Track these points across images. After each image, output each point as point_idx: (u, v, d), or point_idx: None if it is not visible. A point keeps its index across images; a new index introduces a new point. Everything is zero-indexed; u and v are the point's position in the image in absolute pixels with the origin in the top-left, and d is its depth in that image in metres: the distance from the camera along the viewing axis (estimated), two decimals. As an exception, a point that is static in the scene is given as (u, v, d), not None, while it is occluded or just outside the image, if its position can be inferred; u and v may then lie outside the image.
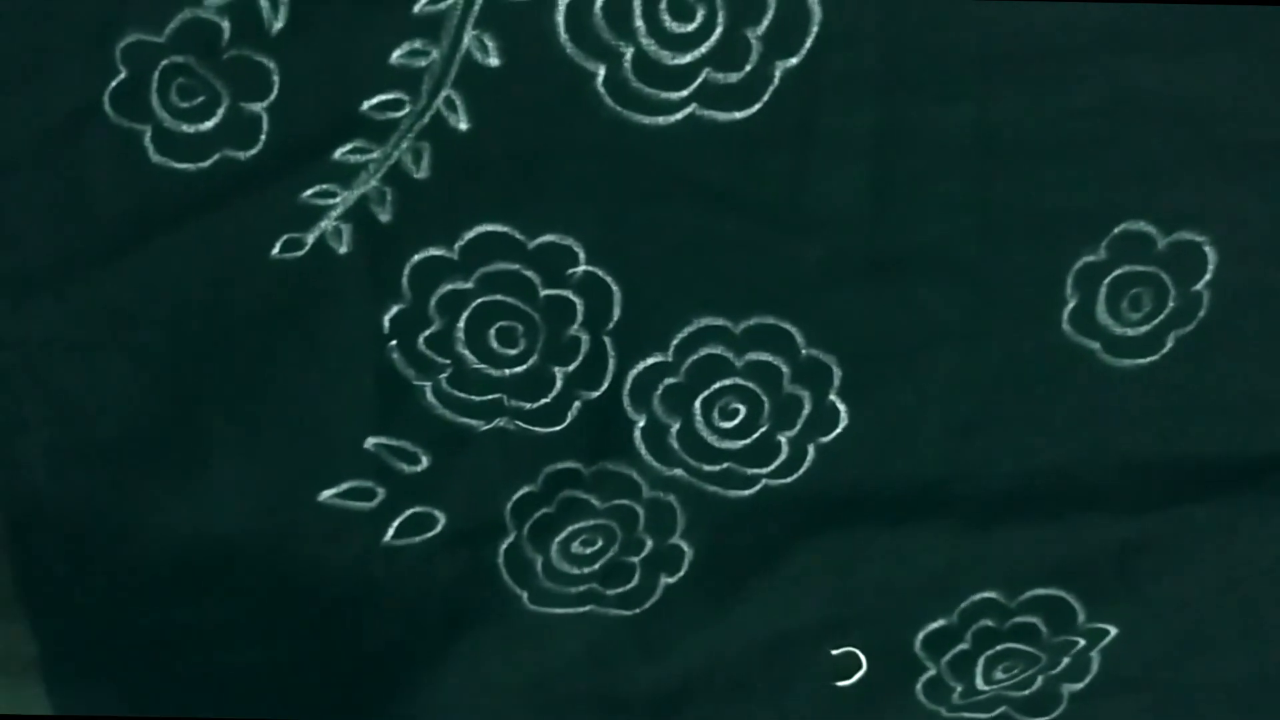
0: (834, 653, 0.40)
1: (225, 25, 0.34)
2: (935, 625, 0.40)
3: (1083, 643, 0.40)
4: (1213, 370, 0.38)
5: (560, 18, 0.34)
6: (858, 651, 0.40)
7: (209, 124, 0.35)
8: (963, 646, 0.41)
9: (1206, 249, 0.36)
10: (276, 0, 0.34)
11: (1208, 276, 0.37)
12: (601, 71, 0.35)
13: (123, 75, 0.34)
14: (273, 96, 0.35)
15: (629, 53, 0.34)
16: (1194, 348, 0.37)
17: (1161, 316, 0.37)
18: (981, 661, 0.41)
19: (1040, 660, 0.40)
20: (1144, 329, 0.37)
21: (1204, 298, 0.37)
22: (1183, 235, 0.36)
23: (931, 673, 0.41)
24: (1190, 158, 0.36)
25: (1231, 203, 0.36)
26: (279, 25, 0.34)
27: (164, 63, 0.34)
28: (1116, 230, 0.36)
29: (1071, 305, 0.37)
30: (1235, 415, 0.38)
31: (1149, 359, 0.38)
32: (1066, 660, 0.40)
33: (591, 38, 0.34)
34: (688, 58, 0.34)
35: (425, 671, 0.39)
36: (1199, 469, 0.39)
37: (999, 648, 0.40)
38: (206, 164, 0.35)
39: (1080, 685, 0.41)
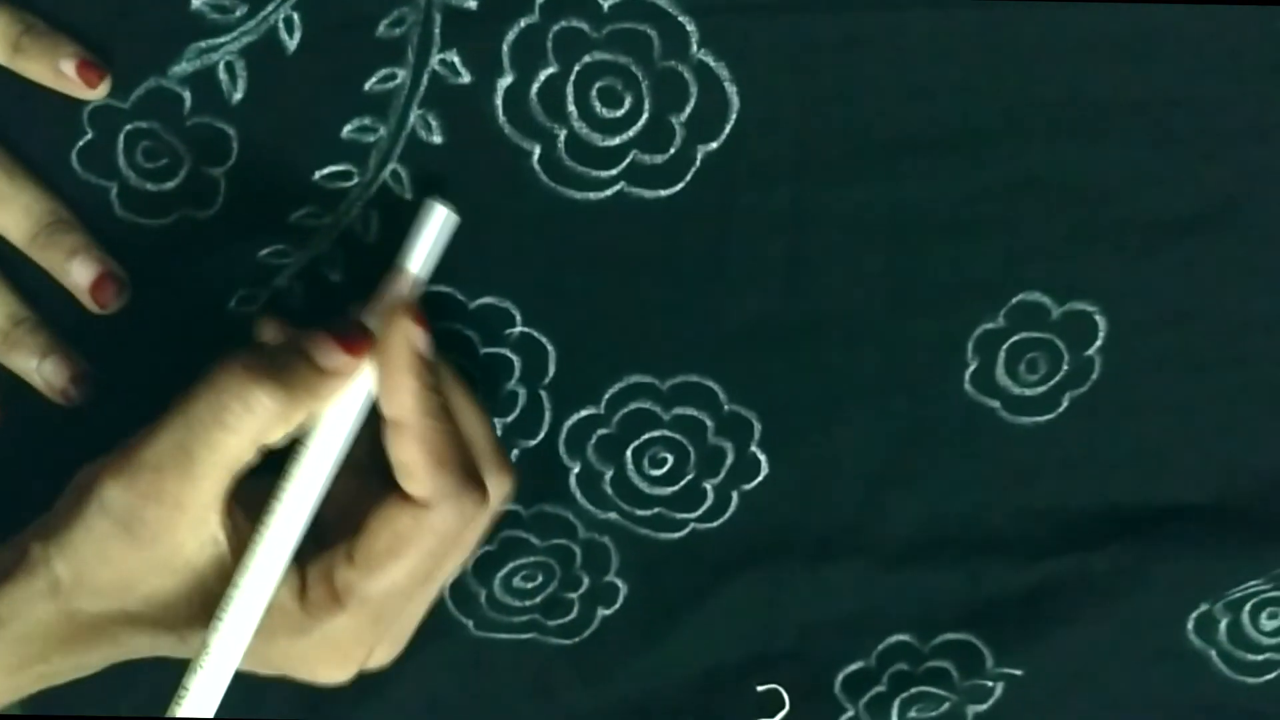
0: (759, 689, 0.41)
1: (186, 95, 0.35)
2: (854, 667, 0.41)
3: (991, 685, 0.42)
4: (1106, 428, 0.39)
5: (499, 100, 0.35)
6: (781, 690, 0.41)
7: (171, 184, 0.36)
8: (879, 689, 0.42)
9: (1097, 317, 0.38)
10: (235, 74, 0.35)
11: (1099, 342, 0.38)
12: (537, 150, 0.36)
13: (89, 136, 0.36)
14: (231, 161, 0.36)
15: (562, 134, 0.36)
16: (1087, 407, 0.39)
17: (1057, 379, 0.39)
18: (897, 704, 0.42)
19: (952, 702, 0.42)
20: (1040, 390, 0.39)
21: (1096, 362, 0.38)
22: (1075, 305, 0.38)
23: (850, 714, 0.42)
24: (1082, 235, 0.37)
25: (1120, 276, 0.37)
26: (238, 96, 0.35)
27: (128, 127, 0.35)
28: (1014, 300, 0.38)
29: (973, 368, 0.38)
30: (1129, 469, 0.39)
31: (1046, 417, 0.39)
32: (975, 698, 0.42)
33: (527, 120, 0.36)
34: (617, 140, 0.36)
35: (376, 686, 0.39)
36: (1097, 519, 0.40)
37: (913, 690, 0.41)
38: (168, 220, 0.36)
39: (984, 707, 0.42)
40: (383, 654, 0.35)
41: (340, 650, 0.33)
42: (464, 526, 0.32)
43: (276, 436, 0.32)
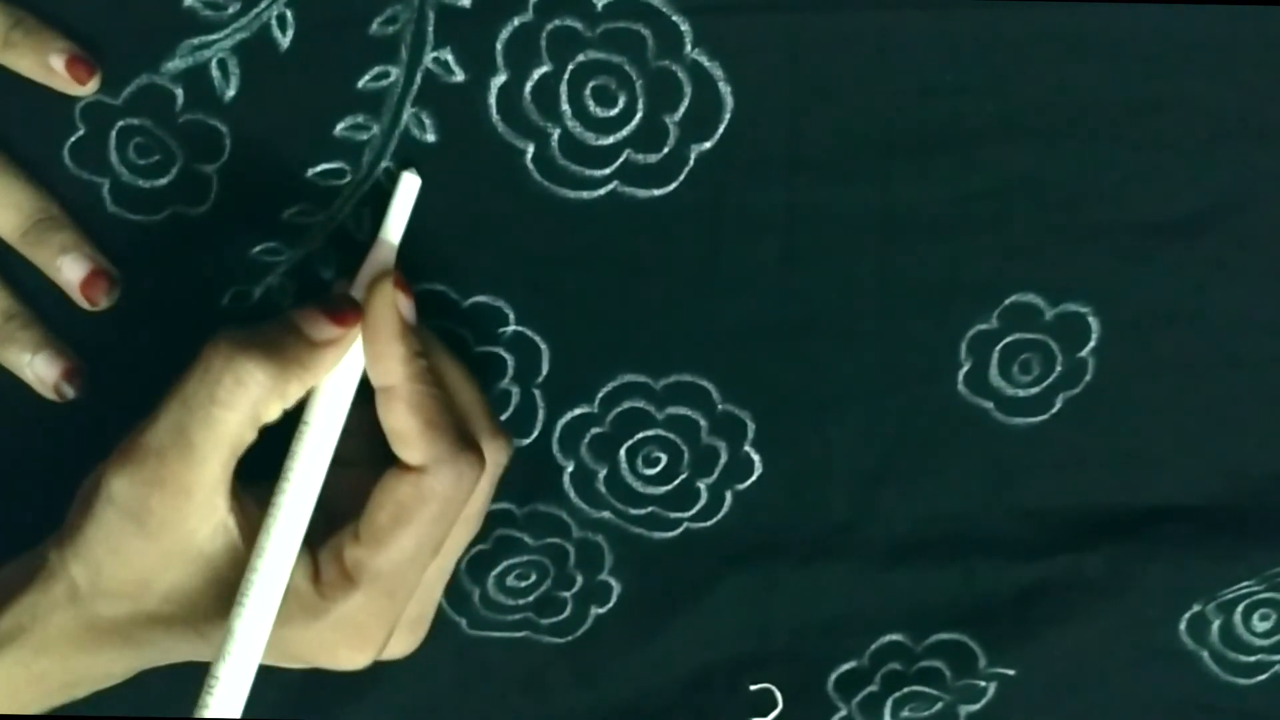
0: (752, 688, 0.41)
1: (179, 92, 0.35)
2: (847, 666, 0.41)
3: (984, 685, 0.42)
4: (1099, 429, 0.39)
5: (492, 99, 0.35)
6: (774, 689, 0.41)
7: (163, 181, 0.36)
8: (872, 689, 0.42)
9: (1090, 319, 0.38)
10: (228, 71, 0.35)
11: (1092, 344, 0.38)
12: (530, 149, 0.36)
13: (81, 132, 0.36)
14: (223, 158, 0.36)
15: (556, 133, 0.36)
16: (1081, 408, 0.39)
17: (1050, 380, 0.39)
18: (889, 704, 0.42)
19: (945, 702, 0.42)
20: (1034, 391, 0.39)
21: (1089, 363, 0.38)
22: (1068, 306, 0.38)
23: (843, 713, 0.42)
24: (1075, 236, 0.37)
25: (1113, 277, 0.37)
26: (230, 94, 0.35)
27: (120, 124, 0.35)
28: (1007, 301, 0.38)
29: (966, 369, 0.38)
30: (1122, 470, 0.39)
31: (1039, 418, 0.39)
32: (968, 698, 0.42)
33: (521, 119, 0.36)
34: (610, 139, 0.36)
35: (372, 682, 0.40)
36: (1089, 519, 0.40)
37: (906, 690, 0.41)
38: (159, 217, 0.36)
39: (976, 707, 0.42)
40: (403, 642, 0.35)
41: (359, 631, 0.33)
42: (463, 491, 0.32)
43: (273, 412, 0.31)
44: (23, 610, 0.32)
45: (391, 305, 0.32)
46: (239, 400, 0.31)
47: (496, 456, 0.34)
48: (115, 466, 0.31)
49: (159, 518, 0.31)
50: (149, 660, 0.33)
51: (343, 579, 0.32)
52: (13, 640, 0.32)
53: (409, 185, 0.34)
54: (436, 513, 0.32)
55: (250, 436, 0.31)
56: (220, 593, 0.32)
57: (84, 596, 0.32)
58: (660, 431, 0.39)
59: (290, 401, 0.32)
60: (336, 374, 0.32)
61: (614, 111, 0.36)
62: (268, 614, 0.32)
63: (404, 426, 0.32)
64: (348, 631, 0.33)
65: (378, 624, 0.33)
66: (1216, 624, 0.41)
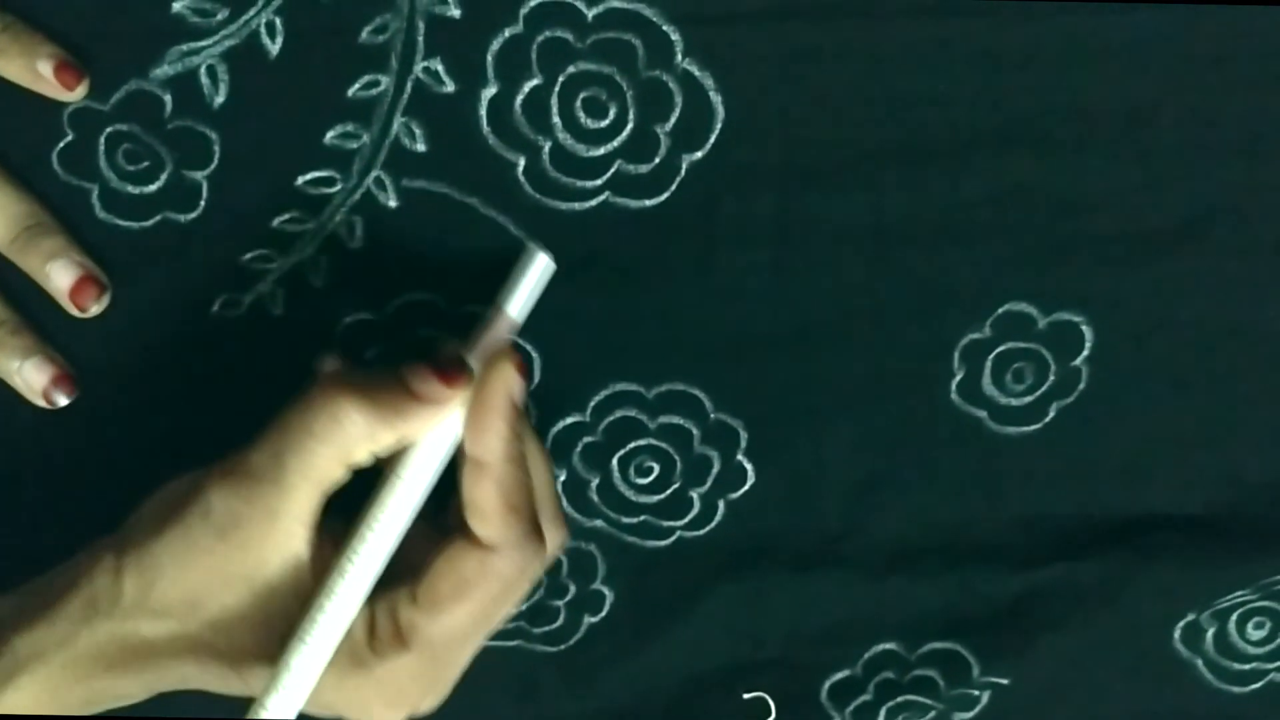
0: (745, 696, 0.41)
1: (167, 98, 0.35)
2: (840, 675, 0.42)
3: (977, 694, 0.42)
4: (1092, 438, 0.39)
5: (483, 111, 0.35)
6: (767, 697, 0.41)
7: (153, 187, 0.36)
8: (865, 697, 0.42)
9: (1084, 328, 0.38)
10: (217, 78, 0.35)
11: (1085, 353, 0.38)
12: (522, 162, 0.36)
13: (70, 138, 0.35)
14: (213, 166, 0.36)
15: (547, 146, 0.36)
16: (1074, 417, 0.39)
17: (1043, 389, 0.39)
18: (883, 712, 0.42)
19: (938, 710, 0.42)
20: (1027, 399, 0.39)
21: (1083, 372, 0.38)
22: (1061, 315, 0.38)
23: None
24: (1068, 245, 0.37)
25: (1106, 286, 0.37)
26: (220, 100, 0.35)
27: (109, 129, 0.35)
28: (1000, 310, 0.38)
29: (959, 377, 0.38)
30: (1115, 479, 0.39)
31: (1033, 427, 0.39)
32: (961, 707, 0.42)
33: (512, 131, 0.36)
34: (601, 150, 0.36)
35: None
36: (1083, 528, 0.40)
37: (899, 699, 0.42)
38: (149, 223, 0.36)
39: (970, 714, 0.42)
40: (431, 699, 0.35)
41: (399, 691, 0.33)
42: (526, 578, 0.33)
43: (364, 456, 0.32)
44: (57, 624, 0.32)
45: (507, 383, 0.32)
46: (332, 436, 0.31)
47: (555, 543, 0.35)
48: (218, 480, 0.32)
49: (244, 534, 0.31)
50: (167, 686, 0.33)
51: (395, 638, 0.32)
52: (40, 658, 0.32)
53: (540, 265, 0.34)
54: (497, 593, 0.32)
55: (339, 475, 0.32)
56: (268, 629, 0.32)
57: (126, 611, 0.32)
58: (653, 441, 0.39)
59: (381, 448, 0.32)
60: (436, 433, 0.32)
61: (605, 122, 0.36)
62: (325, 654, 0.32)
63: (487, 504, 0.32)
64: (388, 690, 0.33)
65: (417, 688, 0.33)
66: (1211, 632, 0.41)
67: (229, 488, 0.31)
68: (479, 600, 0.32)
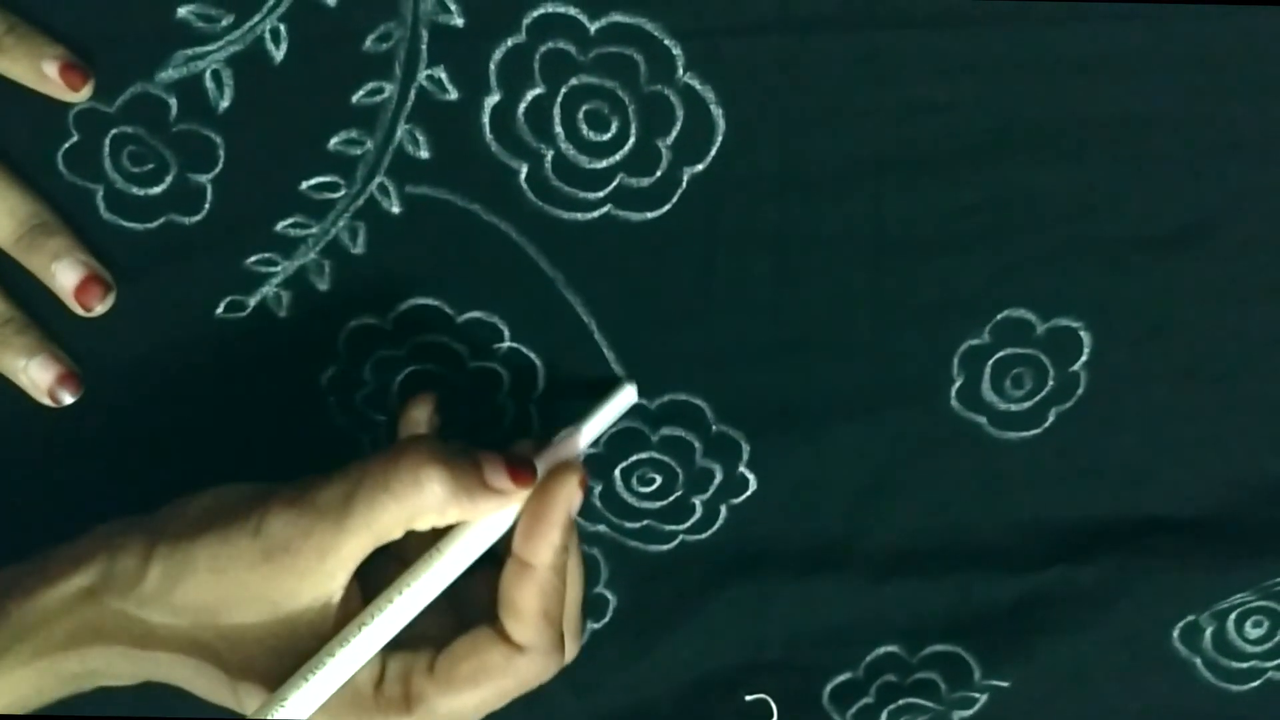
0: (748, 699, 0.42)
1: (172, 101, 0.35)
2: (842, 678, 0.42)
3: (978, 696, 0.42)
4: (1091, 442, 0.39)
5: (486, 119, 0.36)
6: (769, 700, 0.41)
7: (157, 189, 0.36)
8: (867, 700, 0.42)
9: (1082, 334, 0.38)
10: (222, 82, 0.35)
11: (1084, 358, 0.38)
12: (524, 170, 0.36)
13: (75, 139, 0.36)
14: (218, 169, 0.36)
15: (549, 155, 0.36)
16: (1073, 422, 0.39)
17: (1042, 394, 0.39)
18: (885, 715, 0.42)
19: (938, 712, 0.42)
20: (1026, 405, 0.39)
21: (1081, 377, 0.39)
22: (1060, 321, 0.38)
23: None
24: (1066, 252, 0.37)
25: (1104, 292, 0.38)
26: (224, 105, 0.35)
27: (114, 131, 0.36)
28: (999, 316, 0.38)
29: (958, 384, 0.39)
30: (1114, 483, 0.40)
31: (1032, 432, 0.39)
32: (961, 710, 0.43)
33: (514, 139, 0.36)
34: (604, 163, 0.36)
35: None
36: (1083, 532, 0.40)
37: (901, 702, 0.42)
38: (153, 225, 0.37)
39: (969, 713, 0.43)
40: None
41: None
42: (541, 681, 0.34)
43: (426, 524, 0.33)
44: (62, 594, 0.32)
45: (568, 497, 0.33)
46: (410, 499, 0.32)
47: (571, 654, 0.36)
48: (280, 504, 0.32)
49: (288, 562, 0.32)
50: (158, 677, 0.33)
51: (402, 700, 0.33)
52: (43, 625, 0.32)
53: (625, 397, 0.36)
54: (511, 689, 0.33)
55: (398, 534, 0.32)
56: (277, 656, 0.32)
57: (144, 598, 0.32)
58: (654, 454, 0.39)
59: (443, 522, 0.33)
60: (488, 522, 0.33)
61: (607, 136, 0.36)
62: (322, 697, 0.32)
63: (526, 606, 0.33)
64: None
65: None
66: (1209, 631, 0.42)
67: (291, 515, 0.32)
68: (493, 691, 0.33)
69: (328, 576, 0.32)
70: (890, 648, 0.42)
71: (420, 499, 0.32)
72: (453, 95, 0.36)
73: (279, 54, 0.35)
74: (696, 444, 0.39)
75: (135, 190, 0.36)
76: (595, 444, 0.39)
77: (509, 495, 0.33)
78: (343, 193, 0.36)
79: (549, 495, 0.33)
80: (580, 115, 0.36)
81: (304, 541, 0.31)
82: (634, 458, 0.39)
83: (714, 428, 0.39)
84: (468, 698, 0.33)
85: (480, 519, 0.33)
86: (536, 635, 0.33)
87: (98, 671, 0.33)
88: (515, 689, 0.33)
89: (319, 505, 0.32)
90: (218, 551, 0.32)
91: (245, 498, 0.33)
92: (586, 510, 0.40)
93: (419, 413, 0.36)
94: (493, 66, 0.35)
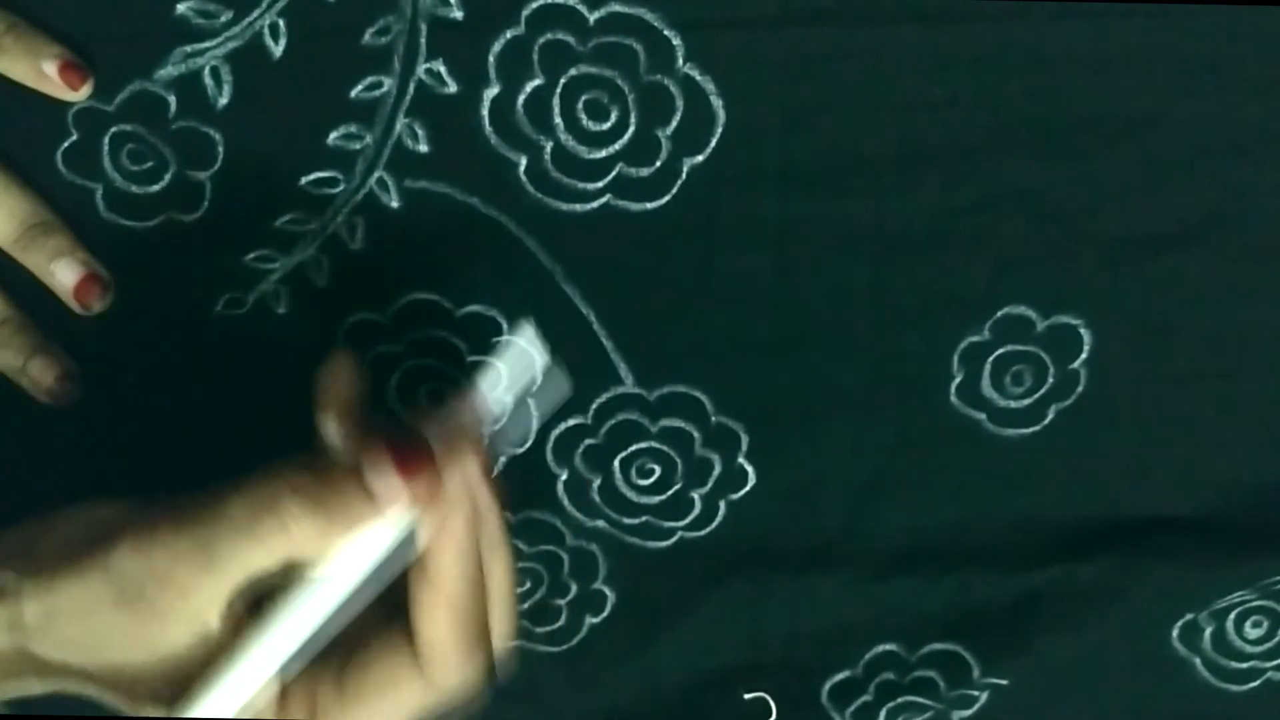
0: (746, 697, 0.42)
1: (171, 99, 0.35)
2: (841, 676, 0.42)
3: (977, 694, 0.42)
4: (1092, 440, 0.39)
5: (485, 111, 0.36)
6: (768, 698, 0.41)
7: (156, 187, 0.36)
8: (866, 698, 0.42)
9: (1082, 331, 0.38)
10: (220, 79, 0.35)
11: (1084, 355, 0.38)
12: (523, 161, 0.36)
13: (74, 138, 0.36)
14: (216, 166, 0.36)
15: (549, 146, 0.36)
16: (1073, 419, 0.39)
17: (1042, 391, 0.39)
18: (884, 713, 0.42)
19: (938, 711, 0.42)
20: (1026, 402, 0.39)
21: (1081, 375, 0.39)
22: (1060, 318, 0.38)
23: None
24: (1067, 249, 0.37)
25: (1104, 289, 0.37)
26: (223, 101, 0.35)
27: (113, 130, 0.36)
28: (999, 313, 0.38)
29: (958, 380, 0.39)
30: (1114, 481, 0.39)
31: (1032, 429, 0.39)
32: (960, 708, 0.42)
33: (514, 131, 0.36)
34: (603, 153, 0.36)
35: None
36: (1082, 530, 0.40)
37: (900, 700, 0.42)
38: (152, 223, 0.36)
39: (969, 712, 0.42)
40: None
41: None
42: (456, 688, 0.31)
43: (309, 555, 0.30)
44: None
45: (472, 497, 0.30)
46: (276, 543, 0.29)
47: (498, 657, 0.32)
48: (131, 542, 0.29)
49: (148, 608, 0.29)
50: (71, 693, 0.31)
51: (306, 717, 0.31)
52: None
53: (558, 387, 0.32)
54: (424, 700, 0.31)
55: (274, 568, 0.29)
56: (169, 683, 0.30)
57: (26, 631, 0.30)
58: (654, 444, 0.39)
59: (326, 551, 0.30)
60: (371, 532, 0.29)
61: (606, 125, 0.36)
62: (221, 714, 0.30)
63: (444, 640, 0.30)
64: None
65: None
66: (1209, 631, 0.42)
67: (141, 557, 0.29)
68: (404, 712, 0.31)
69: (196, 614, 0.29)
70: (889, 646, 0.42)
71: (290, 541, 0.29)
72: (452, 88, 0.36)
73: (278, 50, 0.35)
74: (696, 434, 0.39)
75: (134, 189, 0.36)
76: (594, 435, 0.39)
77: (400, 498, 0.29)
78: (341, 188, 0.36)
79: (450, 504, 0.29)
80: (579, 105, 0.36)
81: (161, 587, 0.29)
82: (633, 448, 0.39)
83: (713, 419, 0.39)
84: (376, 714, 0.30)
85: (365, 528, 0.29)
86: (449, 649, 0.30)
87: (6, 690, 0.31)
88: (431, 699, 0.31)
89: (174, 550, 0.29)
90: (75, 594, 0.29)
91: (103, 524, 0.30)
92: (585, 506, 0.40)
93: (338, 383, 0.32)
94: (492, 59, 0.35)
